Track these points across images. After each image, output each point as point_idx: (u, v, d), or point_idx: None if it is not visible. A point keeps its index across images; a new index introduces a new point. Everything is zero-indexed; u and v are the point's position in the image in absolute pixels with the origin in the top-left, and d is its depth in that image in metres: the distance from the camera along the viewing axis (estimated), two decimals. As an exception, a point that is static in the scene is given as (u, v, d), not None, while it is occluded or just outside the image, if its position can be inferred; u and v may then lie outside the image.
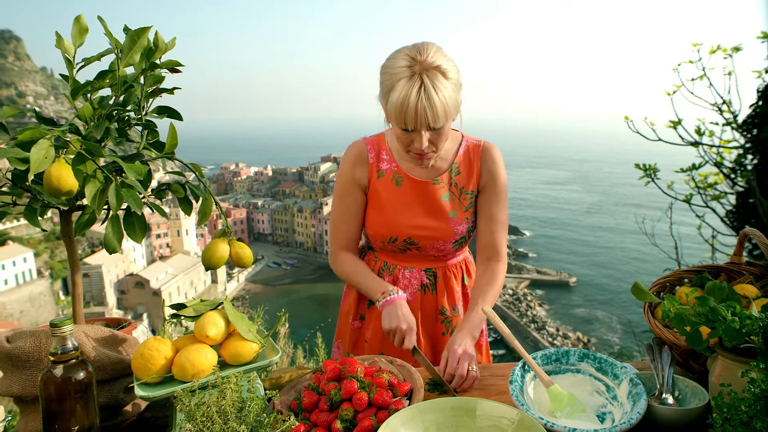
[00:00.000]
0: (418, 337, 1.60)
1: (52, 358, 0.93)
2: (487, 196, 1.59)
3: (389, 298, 1.47)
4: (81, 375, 0.95)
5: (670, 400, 1.05)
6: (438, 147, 1.43)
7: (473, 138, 1.62)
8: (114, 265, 47.22)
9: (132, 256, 51.13)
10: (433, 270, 1.64)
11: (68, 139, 0.96)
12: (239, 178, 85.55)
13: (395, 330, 1.41)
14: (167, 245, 56.89)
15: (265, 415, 0.88)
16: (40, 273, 46.21)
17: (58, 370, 0.93)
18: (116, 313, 42.89)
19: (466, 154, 1.59)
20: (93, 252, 49.60)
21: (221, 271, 53.58)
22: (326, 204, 64.82)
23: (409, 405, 1.00)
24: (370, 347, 1.65)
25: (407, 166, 1.59)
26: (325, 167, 76.15)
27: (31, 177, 0.88)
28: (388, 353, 1.58)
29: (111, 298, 45.93)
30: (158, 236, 56.23)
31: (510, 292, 49.55)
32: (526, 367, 1.15)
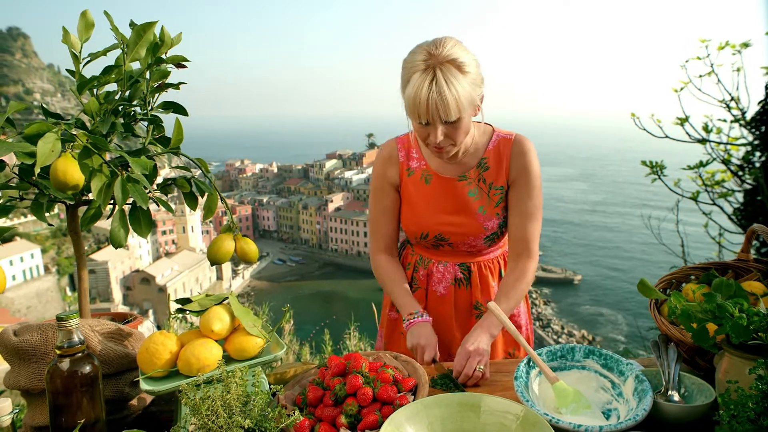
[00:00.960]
0: (452, 334, 1.64)
1: (58, 352, 0.94)
2: (517, 190, 1.55)
3: (413, 321, 1.53)
4: (87, 368, 0.95)
5: (676, 397, 1.05)
6: (456, 141, 1.42)
7: (505, 131, 1.59)
8: (120, 262, 47.47)
9: (138, 253, 51.36)
10: (467, 264, 1.64)
11: (74, 133, 0.97)
12: (244, 175, 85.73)
13: (416, 347, 1.47)
14: (173, 242, 57.12)
15: (269, 409, 0.89)
16: (47, 269, 46.53)
17: (65, 364, 0.93)
18: (122, 309, 43.16)
19: (495, 149, 1.57)
20: (99, 248, 49.87)
21: (226, 268, 53.77)
22: (331, 201, 64.90)
23: (413, 400, 1.00)
24: (405, 340, 1.66)
25: (436, 163, 1.60)
26: (330, 164, 76.19)
27: (37, 170, 0.88)
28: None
29: (117, 294, 46.18)
30: (164, 233, 56.45)
31: (515, 289, 49.36)
32: (531, 363, 1.15)
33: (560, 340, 38.82)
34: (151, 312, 42.67)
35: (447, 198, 1.58)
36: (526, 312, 1.75)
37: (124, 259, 48.36)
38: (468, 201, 1.57)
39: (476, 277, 1.64)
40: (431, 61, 1.32)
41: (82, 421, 0.93)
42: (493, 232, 1.59)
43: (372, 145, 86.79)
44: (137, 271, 48.27)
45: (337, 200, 65.95)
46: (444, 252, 1.65)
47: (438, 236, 1.60)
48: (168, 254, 53.62)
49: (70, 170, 0.96)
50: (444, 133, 1.38)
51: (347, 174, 71.70)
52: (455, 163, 1.58)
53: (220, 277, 53.80)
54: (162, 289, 44.74)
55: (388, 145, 1.67)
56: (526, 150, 1.55)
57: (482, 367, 1.31)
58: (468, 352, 1.34)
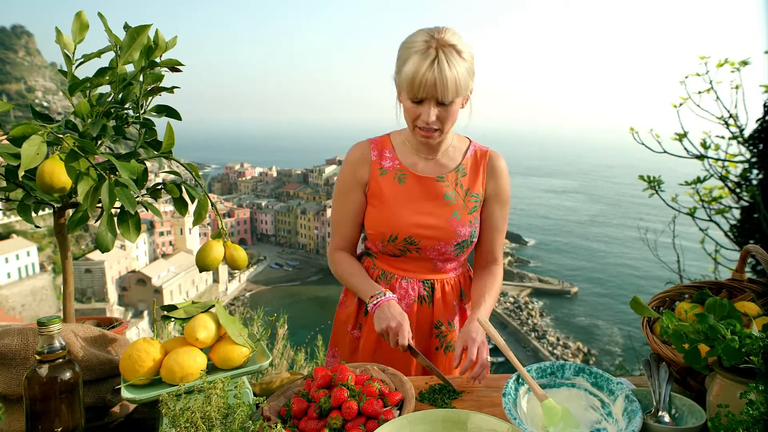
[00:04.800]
0: (407, 353, 1.56)
1: (38, 357, 0.92)
2: (491, 206, 1.61)
3: (377, 301, 1.47)
4: (67, 375, 0.93)
5: (666, 419, 1.03)
6: (444, 127, 1.43)
7: (481, 145, 1.64)
8: (116, 262, 47.31)
9: (134, 253, 51.22)
10: (431, 281, 1.61)
11: (61, 136, 0.95)
12: (244, 179, 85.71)
13: (386, 330, 1.41)
14: (170, 243, 56.98)
15: (251, 422, 0.87)
16: (42, 267, 46.36)
17: (44, 370, 0.91)
18: (117, 310, 42.98)
19: (473, 158, 1.61)
20: (96, 248, 49.70)
21: (223, 271, 53.58)
22: (329, 207, 64.82)
23: (399, 415, 0.98)
24: (362, 356, 1.63)
25: (410, 161, 1.58)
26: (329, 170, 76.26)
27: (21, 173, 0.87)
28: (381, 360, 1.56)
29: (112, 294, 45.99)
30: (161, 234, 56.33)
31: (511, 300, 49.38)
32: (520, 380, 1.13)
33: (555, 351, 38.71)
34: (146, 313, 42.46)
35: (422, 197, 1.56)
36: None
37: (121, 259, 48.21)
38: (444, 203, 1.56)
39: (439, 295, 1.61)
40: (433, 42, 1.34)
41: (60, 429, 0.91)
42: (465, 239, 1.56)
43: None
44: (133, 271, 48.11)
45: (335, 206, 65.82)
46: (410, 260, 1.59)
47: (408, 239, 1.54)
48: (164, 256, 53.48)
49: (57, 173, 0.95)
50: (436, 114, 1.39)
51: (346, 180, 71.52)
52: (434, 164, 1.58)
53: (216, 280, 53.65)
54: (158, 291, 44.57)
55: (359, 146, 1.63)
56: (501, 168, 1.61)
57: (489, 357, 1.34)
58: (477, 342, 1.35)
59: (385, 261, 1.63)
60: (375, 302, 1.47)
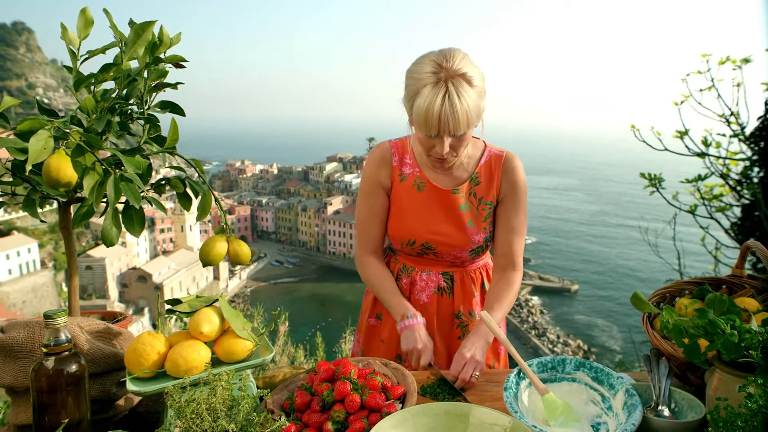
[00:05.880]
0: (434, 344, 1.61)
1: (44, 350, 0.93)
2: (506, 206, 1.60)
3: (407, 323, 1.50)
4: (73, 367, 0.94)
5: (666, 413, 1.04)
6: (458, 152, 1.45)
7: (496, 148, 1.63)
8: (117, 259, 47.36)
9: (135, 250, 51.25)
10: (450, 273, 1.65)
11: (68, 130, 0.96)
12: (244, 176, 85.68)
13: (412, 351, 1.45)
14: (171, 240, 57.02)
15: (255, 414, 0.88)
16: (43, 264, 46.41)
17: (50, 362, 0.92)
18: (118, 306, 43.02)
19: (487, 164, 1.60)
20: (97, 244, 49.79)
21: (223, 268, 53.66)
22: (330, 204, 64.86)
23: (401, 408, 1.00)
24: (386, 348, 1.67)
25: (430, 174, 1.60)
26: (330, 167, 76.21)
27: (29, 167, 0.88)
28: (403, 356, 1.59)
29: (113, 291, 46.05)
30: (162, 231, 56.36)
31: (511, 297, 49.31)
32: (521, 374, 1.14)
33: (555, 349, 38.75)
34: (146, 310, 42.55)
35: (438, 208, 1.59)
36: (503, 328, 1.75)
37: (122, 256, 48.26)
38: (459, 214, 1.58)
39: (459, 287, 1.65)
40: (442, 74, 1.32)
41: (66, 420, 0.92)
42: (480, 245, 1.60)
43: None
44: (134, 268, 48.15)
45: (336, 203, 65.93)
46: (427, 260, 1.64)
47: (425, 244, 1.60)
48: (165, 252, 53.53)
49: (63, 167, 0.96)
50: (450, 145, 1.39)
51: (347, 177, 71.70)
52: (449, 176, 1.59)
53: (216, 277, 53.71)
54: (158, 288, 44.62)
55: (381, 147, 1.66)
56: (516, 168, 1.59)
57: (477, 374, 1.33)
58: (465, 358, 1.35)
59: (405, 257, 1.68)
60: (406, 323, 1.50)
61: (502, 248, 1.61)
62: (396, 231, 1.63)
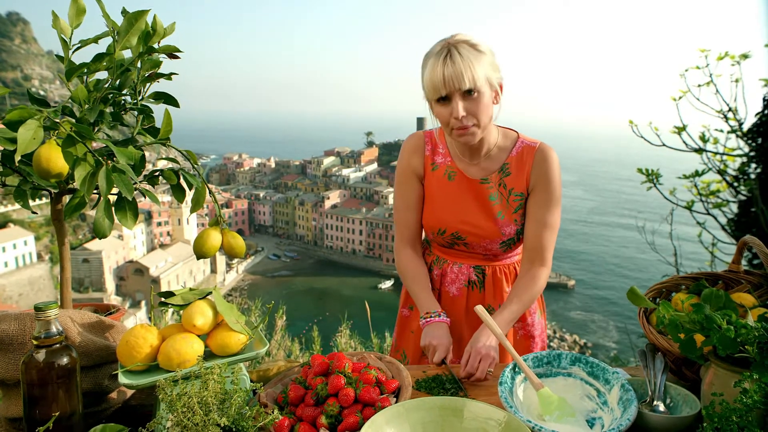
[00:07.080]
0: (461, 335, 1.63)
1: (35, 342, 0.92)
2: (536, 199, 1.54)
3: (430, 320, 1.51)
4: (64, 360, 0.93)
5: (661, 408, 1.04)
6: (479, 119, 1.41)
7: (530, 139, 1.59)
8: (114, 252, 47.27)
9: (132, 243, 51.16)
10: (482, 267, 1.64)
11: (58, 120, 0.95)
12: (242, 169, 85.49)
13: (428, 347, 1.45)
14: (168, 233, 56.93)
15: (247, 407, 0.87)
16: (40, 257, 46.31)
17: (41, 355, 0.91)
18: (115, 300, 42.97)
19: (519, 155, 1.56)
20: (93, 237, 49.65)
21: (220, 261, 53.63)
22: (327, 198, 64.82)
23: (396, 403, 0.99)
24: (416, 339, 1.68)
25: (461, 164, 1.59)
26: (327, 161, 76.12)
27: (17, 157, 0.87)
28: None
29: (110, 284, 46.00)
30: (159, 224, 56.25)
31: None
32: (516, 368, 1.14)
33: (551, 344, 38.89)
34: (143, 303, 42.50)
35: (469, 198, 1.58)
36: (541, 321, 1.74)
37: (118, 249, 48.18)
38: (489, 204, 1.56)
39: (490, 281, 1.63)
40: (446, 44, 1.38)
41: (57, 413, 0.91)
42: (510, 237, 1.58)
43: (370, 144, 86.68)
44: (131, 261, 48.09)
45: (333, 197, 65.90)
46: (459, 252, 1.64)
47: (455, 234, 1.59)
48: (162, 246, 53.45)
49: (54, 158, 0.94)
50: (465, 108, 1.38)
51: (345, 171, 71.64)
52: (479, 166, 1.58)
53: (214, 271, 53.71)
54: (155, 281, 44.58)
55: (415, 136, 1.66)
56: (549, 159, 1.53)
57: (491, 370, 1.32)
58: (480, 353, 1.32)
59: (438, 249, 1.68)
60: (429, 319, 1.51)
61: (530, 241, 1.56)
62: (427, 220, 1.63)
